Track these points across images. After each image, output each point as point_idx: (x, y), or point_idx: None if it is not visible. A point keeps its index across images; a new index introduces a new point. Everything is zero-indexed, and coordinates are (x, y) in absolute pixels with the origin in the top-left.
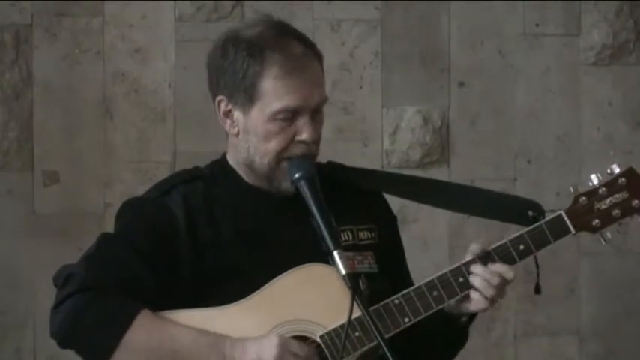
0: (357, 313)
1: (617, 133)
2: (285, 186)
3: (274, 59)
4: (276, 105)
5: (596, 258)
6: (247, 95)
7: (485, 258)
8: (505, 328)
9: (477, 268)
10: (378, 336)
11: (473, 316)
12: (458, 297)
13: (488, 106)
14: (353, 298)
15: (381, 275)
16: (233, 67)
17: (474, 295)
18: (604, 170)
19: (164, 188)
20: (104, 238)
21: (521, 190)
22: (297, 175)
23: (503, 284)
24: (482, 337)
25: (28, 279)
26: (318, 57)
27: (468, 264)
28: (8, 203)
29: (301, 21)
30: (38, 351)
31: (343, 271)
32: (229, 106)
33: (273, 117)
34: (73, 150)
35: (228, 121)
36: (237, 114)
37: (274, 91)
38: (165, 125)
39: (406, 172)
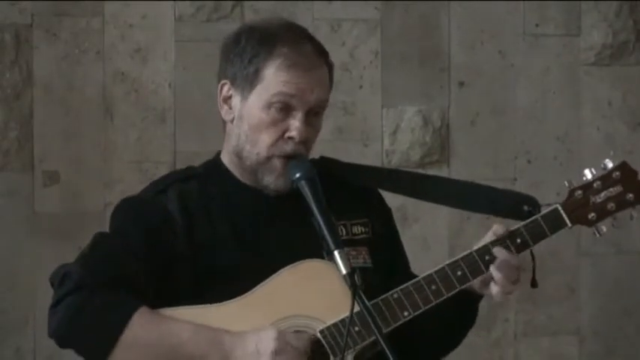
0: (356, 308)
1: (617, 133)
2: (268, 181)
3: (282, 51)
4: (272, 90)
5: (596, 258)
6: (249, 80)
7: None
8: (505, 328)
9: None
10: (376, 332)
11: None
12: (455, 291)
13: (488, 106)
14: (354, 298)
15: (375, 270)
16: (242, 52)
17: (492, 289)
18: (600, 165)
19: (160, 187)
20: (100, 237)
21: (521, 190)
22: (297, 175)
23: (516, 277)
24: (483, 337)
25: (28, 279)
26: (328, 65)
27: (465, 257)
28: (8, 203)
29: (301, 21)
30: (38, 351)
31: (344, 271)
32: (230, 92)
33: (269, 105)
34: (73, 150)
35: (225, 107)
36: (235, 100)
37: (274, 80)
38: (165, 125)
39: None
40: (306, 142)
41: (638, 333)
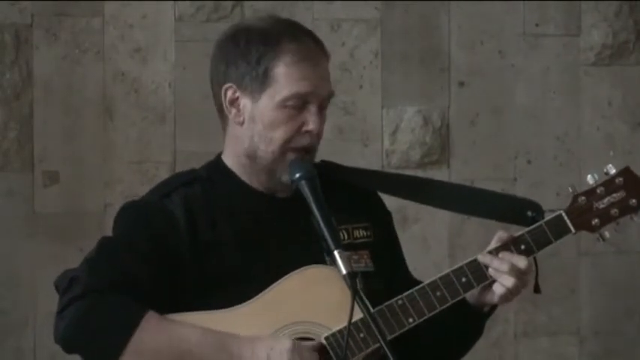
0: (361, 315)
1: (617, 133)
2: (286, 179)
3: (289, 48)
4: (287, 91)
5: (596, 258)
6: (259, 82)
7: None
8: (505, 328)
9: (486, 259)
10: (379, 337)
11: (493, 308)
12: (460, 297)
13: (488, 106)
14: (354, 299)
15: (377, 274)
16: (246, 54)
17: (494, 286)
18: (602, 170)
19: (164, 191)
20: (105, 241)
21: (521, 190)
22: (297, 175)
23: (517, 273)
24: (483, 337)
25: (28, 279)
26: (327, 55)
27: (470, 263)
28: (8, 203)
29: (301, 21)
30: (38, 351)
31: (344, 271)
32: (237, 94)
33: (283, 104)
34: (73, 150)
35: (234, 110)
36: (244, 102)
37: (287, 77)
38: (165, 125)
39: (406, 172)
40: (320, 135)
41: (638, 333)
